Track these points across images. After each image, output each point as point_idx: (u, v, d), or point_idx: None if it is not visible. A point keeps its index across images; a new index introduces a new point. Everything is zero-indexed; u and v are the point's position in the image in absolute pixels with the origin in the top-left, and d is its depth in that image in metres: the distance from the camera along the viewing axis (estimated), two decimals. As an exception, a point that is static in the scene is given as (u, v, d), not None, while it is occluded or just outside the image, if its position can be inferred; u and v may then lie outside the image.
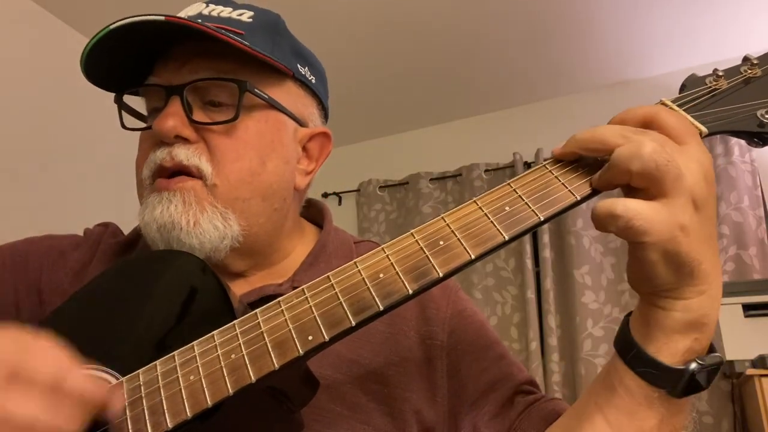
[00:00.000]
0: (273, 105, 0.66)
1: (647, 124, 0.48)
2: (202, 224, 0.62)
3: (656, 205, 0.44)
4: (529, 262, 2.84)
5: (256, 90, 0.64)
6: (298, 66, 0.70)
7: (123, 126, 0.69)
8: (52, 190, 2.24)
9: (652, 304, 0.49)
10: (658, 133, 0.47)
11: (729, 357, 2.13)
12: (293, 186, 0.70)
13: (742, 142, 2.84)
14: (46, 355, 0.43)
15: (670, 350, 0.48)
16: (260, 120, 0.66)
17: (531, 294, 2.80)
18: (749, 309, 2.16)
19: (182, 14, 0.67)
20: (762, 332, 2.13)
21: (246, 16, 0.68)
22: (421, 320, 0.68)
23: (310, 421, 0.57)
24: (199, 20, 0.64)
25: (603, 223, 0.45)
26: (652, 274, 0.46)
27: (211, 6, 0.68)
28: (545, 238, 2.85)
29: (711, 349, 0.49)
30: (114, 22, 0.60)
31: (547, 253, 2.83)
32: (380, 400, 0.64)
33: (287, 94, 0.68)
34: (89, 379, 0.44)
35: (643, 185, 0.45)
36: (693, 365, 0.47)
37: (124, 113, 0.69)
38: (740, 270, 2.48)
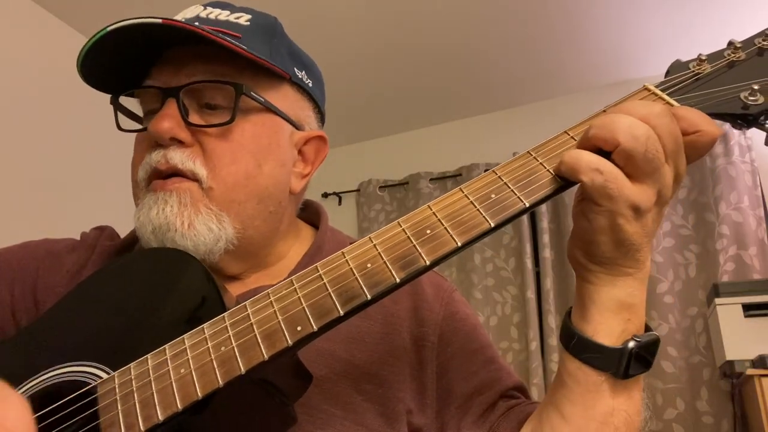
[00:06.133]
0: (269, 108, 0.66)
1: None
2: (196, 226, 0.61)
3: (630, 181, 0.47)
4: (529, 262, 2.84)
5: (252, 93, 0.64)
6: (296, 70, 0.70)
7: (119, 127, 0.70)
8: (52, 191, 2.25)
9: (584, 279, 0.53)
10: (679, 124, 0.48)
11: (729, 357, 2.12)
12: (289, 189, 0.70)
13: (743, 141, 2.80)
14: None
15: (606, 331, 0.51)
16: (256, 123, 0.65)
17: (531, 294, 2.79)
18: (749, 309, 2.16)
19: (180, 17, 0.67)
20: (762, 332, 2.12)
21: (243, 19, 0.68)
22: (414, 321, 0.68)
23: (303, 421, 0.57)
24: (197, 23, 0.64)
25: (581, 170, 0.46)
26: (594, 241, 0.49)
27: (209, 9, 0.68)
28: (545, 238, 2.85)
29: (647, 329, 0.53)
30: (111, 25, 0.60)
31: (547, 253, 2.82)
32: (375, 401, 0.63)
33: (284, 97, 0.69)
34: None
35: (622, 163, 0.47)
36: (631, 343, 0.50)
37: (120, 115, 0.69)
38: (740, 270, 2.48)
